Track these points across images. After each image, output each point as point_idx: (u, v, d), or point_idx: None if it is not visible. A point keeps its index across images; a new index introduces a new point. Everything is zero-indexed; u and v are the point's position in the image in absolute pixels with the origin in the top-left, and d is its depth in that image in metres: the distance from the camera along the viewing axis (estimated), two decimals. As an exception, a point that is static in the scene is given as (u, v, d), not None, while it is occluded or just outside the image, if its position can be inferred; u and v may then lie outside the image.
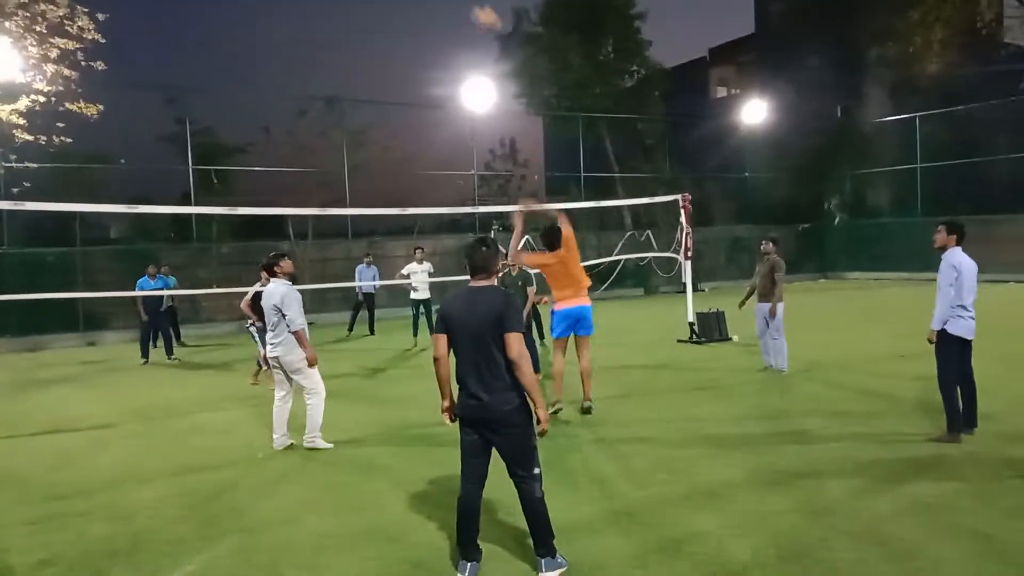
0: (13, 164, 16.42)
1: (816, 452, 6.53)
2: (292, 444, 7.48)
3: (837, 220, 31.65)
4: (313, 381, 7.41)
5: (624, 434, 7.41)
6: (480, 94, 24.29)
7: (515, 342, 4.18)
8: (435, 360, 4.38)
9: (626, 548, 4.67)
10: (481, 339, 4.22)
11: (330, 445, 7.42)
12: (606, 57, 30.74)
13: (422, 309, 15.27)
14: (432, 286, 15.69)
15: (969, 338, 6.70)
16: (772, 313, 10.19)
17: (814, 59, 31.79)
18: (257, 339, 10.65)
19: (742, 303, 10.86)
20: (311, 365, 7.30)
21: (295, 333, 7.17)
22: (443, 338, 4.37)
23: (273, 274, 7.45)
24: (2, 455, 7.60)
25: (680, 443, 6.99)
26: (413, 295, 15.41)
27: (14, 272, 18.06)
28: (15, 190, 16.46)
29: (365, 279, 17.12)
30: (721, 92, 43.27)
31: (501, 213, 23.64)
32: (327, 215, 20.65)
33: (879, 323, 15.36)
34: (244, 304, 10.68)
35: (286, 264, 7.45)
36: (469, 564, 4.34)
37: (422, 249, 16.07)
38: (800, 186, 30.38)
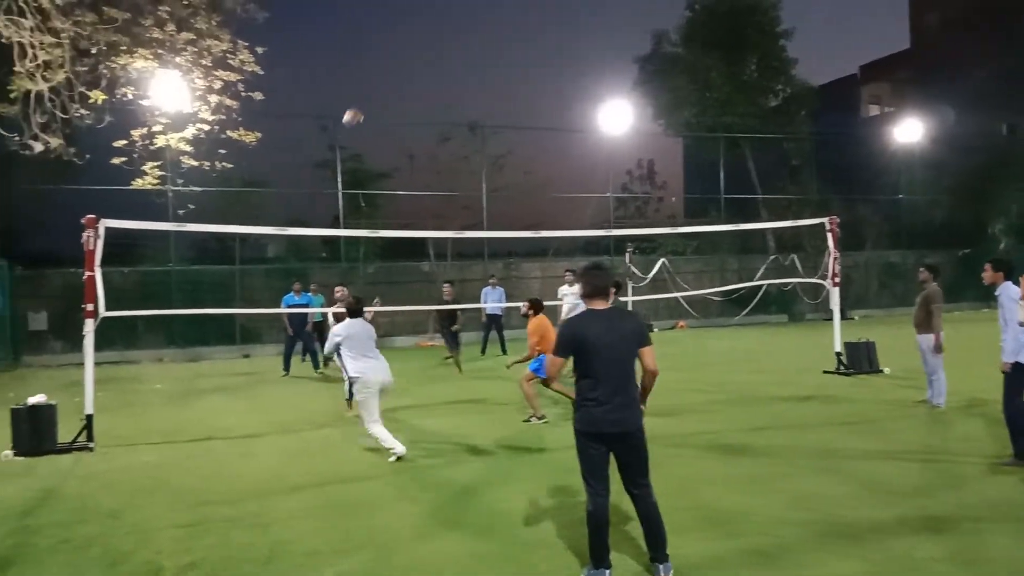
0: (180, 188, 17.72)
1: (973, 496, 6.01)
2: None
3: (1003, 245, 29.28)
4: None
5: (763, 468, 7.08)
6: (618, 117, 24.22)
7: (653, 355, 4.70)
8: (550, 382, 4.63)
9: (761, 590, 4.44)
10: (620, 357, 4.54)
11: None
12: (749, 76, 29.97)
13: None
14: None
15: None
16: (937, 347, 9.51)
17: (976, 73, 29.76)
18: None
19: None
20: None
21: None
22: (561, 362, 4.76)
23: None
24: (160, 462, 8.12)
25: (823, 480, 6.59)
26: (562, 316, 15.29)
27: (180, 288, 19.46)
28: (181, 212, 17.74)
29: (491, 301, 17.29)
30: (873, 110, 41.29)
31: (637, 236, 23.38)
32: (465, 237, 21.15)
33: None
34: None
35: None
36: (607, 572, 4.49)
37: (573, 271, 15.99)
38: (960, 209, 28.29)
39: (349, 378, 8.37)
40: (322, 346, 16.90)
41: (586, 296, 4.72)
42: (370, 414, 7.93)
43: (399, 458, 7.67)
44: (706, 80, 28.78)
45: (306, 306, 15.25)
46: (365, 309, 10.38)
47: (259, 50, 14.98)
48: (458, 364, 14.63)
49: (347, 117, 10.65)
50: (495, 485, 6.81)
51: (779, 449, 7.83)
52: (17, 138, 13.04)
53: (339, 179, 21.90)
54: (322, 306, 16.35)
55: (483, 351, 17.61)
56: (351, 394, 10.62)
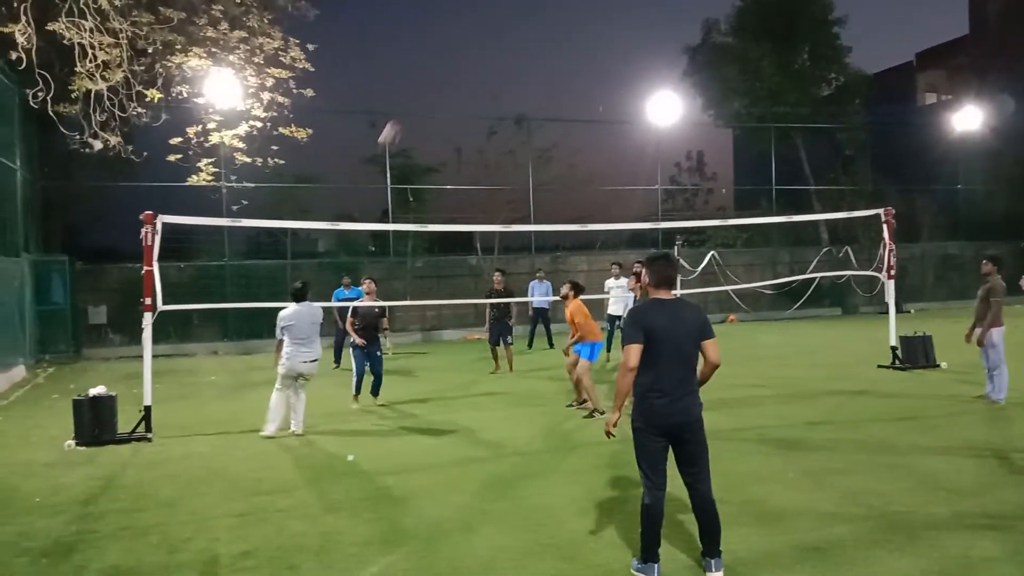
0: (234, 184, 18.08)
1: (1037, 495, 5.84)
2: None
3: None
4: None
5: (816, 464, 6.97)
6: (666, 108, 23.98)
7: (716, 347, 4.60)
8: (630, 371, 4.44)
9: (813, 587, 4.37)
10: (684, 348, 4.49)
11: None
12: (801, 65, 29.41)
13: (617, 324, 15.11)
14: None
15: None
16: (979, 341, 9.31)
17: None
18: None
19: (968, 335, 9.89)
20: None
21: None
22: (639, 348, 4.45)
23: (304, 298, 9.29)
24: (216, 452, 8.30)
25: (878, 476, 6.46)
26: (608, 310, 15.26)
27: (234, 283, 19.85)
28: (235, 208, 18.09)
29: (538, 294, 17.27)
30: (930, 99, 40.19)
31: (686, 228, 23.17)
32: (512, 231, 21.18)
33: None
34: (350, 325, 11.02)
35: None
36: (656, 565, 4.47)
37: (619, 264, 15.93)
38: (1021, 199, 27.42)
39: (284, 356, 8.94)
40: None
41: (652, 286, 4.66)
42: (280, 386, 8.95)
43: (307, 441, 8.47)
44: (757, 70, 28.33)
45: (355, 300, 15.40)
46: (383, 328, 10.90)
47: (310, 47, 15.23)
48: (509, 362, 14.19)
49: (386, 133, 10.45)
50: (541, 478, 6.83)
51: (833, 444, 7.70)
52: (78, 136, 13.44)
53: (388, 174, 22.11)
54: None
55: (530, 345, 17.61)
56: (358, 388, 10.83)
